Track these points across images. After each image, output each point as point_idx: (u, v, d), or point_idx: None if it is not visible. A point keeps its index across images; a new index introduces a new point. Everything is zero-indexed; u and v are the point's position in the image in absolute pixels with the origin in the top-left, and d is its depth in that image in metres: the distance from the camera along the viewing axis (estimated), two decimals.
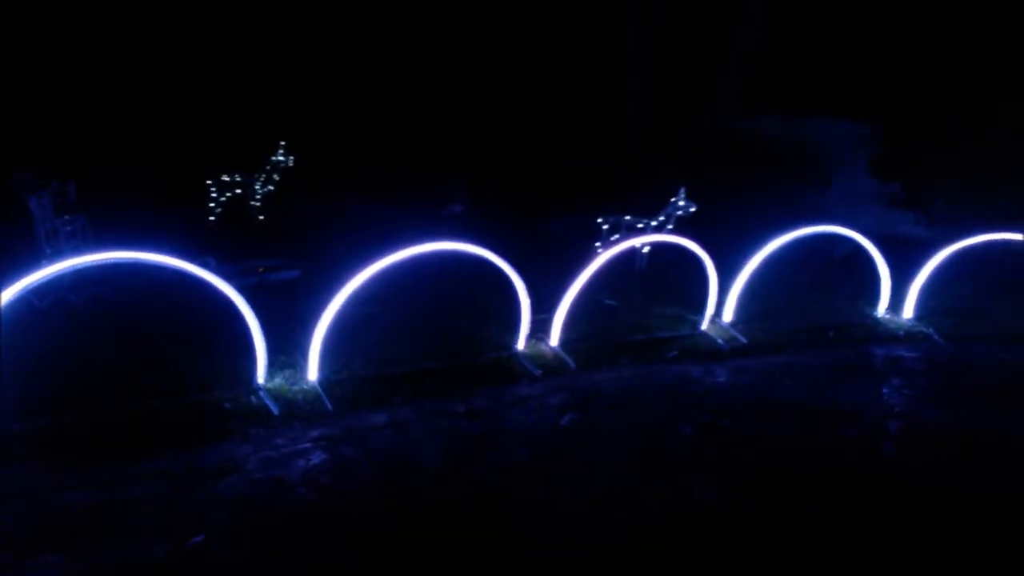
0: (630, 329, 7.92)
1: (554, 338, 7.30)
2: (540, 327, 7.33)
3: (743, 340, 7.80)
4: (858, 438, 5.89)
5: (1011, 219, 10.02)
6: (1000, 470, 5.48)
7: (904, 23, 12.21)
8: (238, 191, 10.45)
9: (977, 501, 5.07)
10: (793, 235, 7.90)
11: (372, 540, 4.50)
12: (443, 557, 4.40)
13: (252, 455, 5.26)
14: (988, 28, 10.67)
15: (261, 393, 6.08)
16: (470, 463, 5.36)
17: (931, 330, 8.27)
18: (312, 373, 6.30)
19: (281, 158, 10.56)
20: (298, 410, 5.93)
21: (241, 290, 6.03)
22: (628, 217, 9.39)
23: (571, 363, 7.06)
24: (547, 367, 6.96)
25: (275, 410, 5.88)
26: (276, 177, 10.61)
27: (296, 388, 6.21)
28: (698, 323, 7.98)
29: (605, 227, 9.53)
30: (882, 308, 8.61)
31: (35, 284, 5.37)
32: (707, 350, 7.59)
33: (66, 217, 7.87)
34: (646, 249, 9.44)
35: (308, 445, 5.45)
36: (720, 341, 7.76)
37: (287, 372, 6.41)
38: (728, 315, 8.07)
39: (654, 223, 9.16)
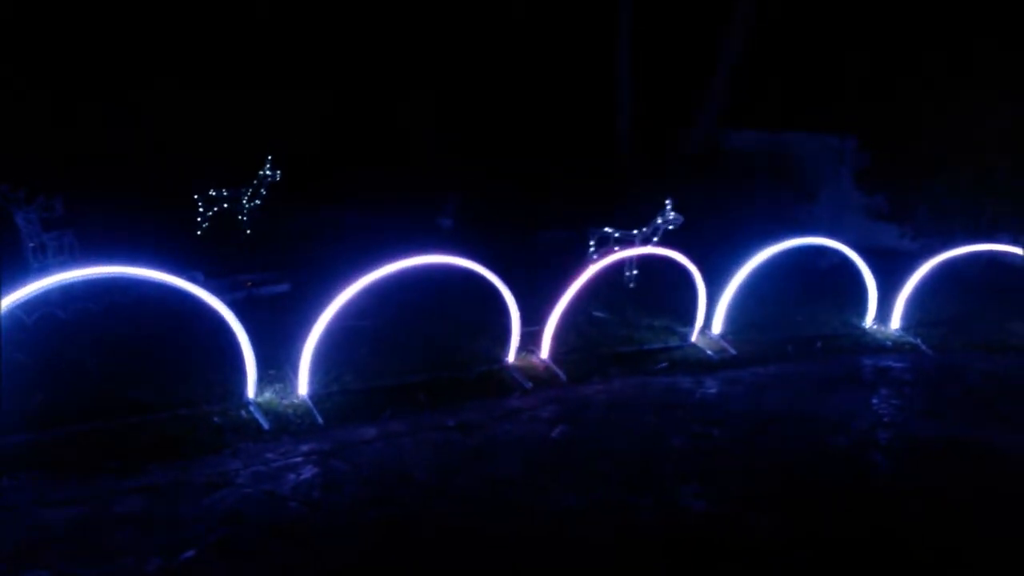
0: (620, 341, 7.95)
1: (544, 350, 7.31)
2: (530, 340, 7.34)
3: (732, 351, 7.83)
4: (848, 447, 5.92)
5: (995, 230, 10.18)
6: (987, 477, 5.53)
7: (878, 27, 12.36)
8: (225, 205, 10.45)
9: (965, 508, 5.11)
10: (780, 247, 7.97)
11: (364, 554, 4.48)
12: (435, 570, 4.38)
13: (242, 470, 5.23)
14: (961, 28, 10.79)
15: (251, 407, 6.05)
16: (461, 476, 5.34)
17: (918, 340, 8.34)
18: (302, 387, 6.27)
19: (268, 172, 10.57)
20: (288, 424, 5.90)
21: (230, 304, 6.01)
22: (612, 231, 9.44)
23: (562, 375, 7.07)
24: (537, 379, 6.97)
25: (265, 424, 5.84)
26: (263, 191, 10.61)
27: (286, 402, 6.18)
28: (687, 335, 8.02)
29: (592, 241, 9.59)
30: (869, 319, 8.68)
31: (23, 299, 5.34)
32: (697, 361, 7.62)
33: (54, 232, 7.87)
34: (635, 264, 9.49)
35: (299, 459, 5.43)
36: (709, 352, 7.79)
37: (277, 386, 6.38)
38: (717, 327, 8.11)
39: (642, 236, 9.22)
